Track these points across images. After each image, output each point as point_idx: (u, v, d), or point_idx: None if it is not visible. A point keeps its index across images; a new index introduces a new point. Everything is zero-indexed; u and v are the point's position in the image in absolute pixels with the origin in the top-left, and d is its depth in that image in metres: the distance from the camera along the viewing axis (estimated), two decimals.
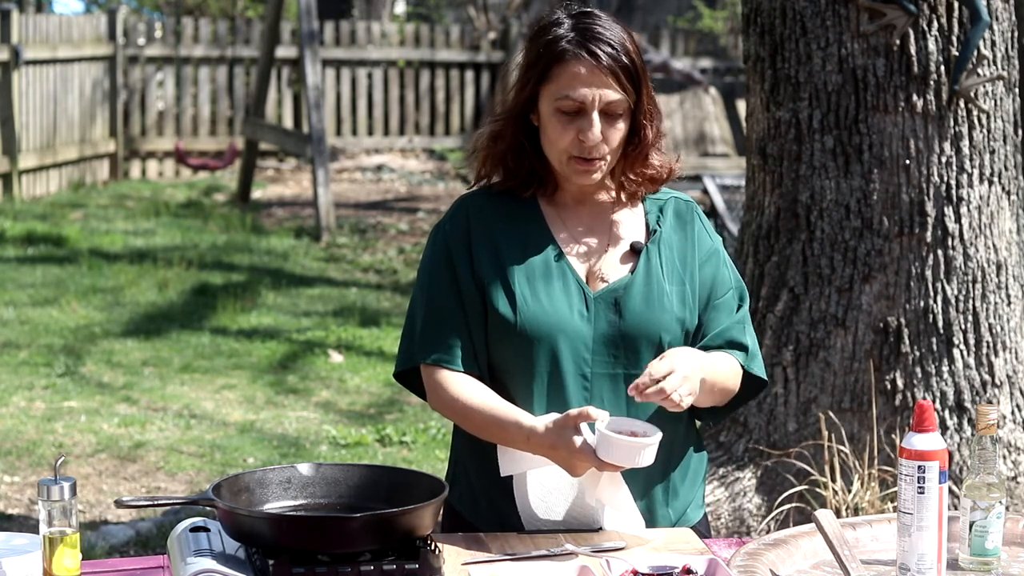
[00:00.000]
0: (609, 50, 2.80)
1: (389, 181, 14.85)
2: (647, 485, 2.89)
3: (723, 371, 2.86)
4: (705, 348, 2.89)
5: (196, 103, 15.01)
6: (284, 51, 14.73)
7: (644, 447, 2.66)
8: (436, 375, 2.88)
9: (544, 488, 2.85)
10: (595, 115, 2.81)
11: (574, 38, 2.82)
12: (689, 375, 2.71)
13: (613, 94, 2.80)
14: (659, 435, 2.69)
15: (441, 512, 2.71)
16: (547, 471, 2.83)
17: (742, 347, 2.93)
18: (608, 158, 2.85)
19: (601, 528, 2.84)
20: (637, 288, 2.87)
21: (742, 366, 2.92)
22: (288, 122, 15.34)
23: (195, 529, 2.65)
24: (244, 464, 6.44)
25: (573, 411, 2.72)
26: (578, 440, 2.70)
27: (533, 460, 2.82)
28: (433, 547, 2.56)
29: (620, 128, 2.84)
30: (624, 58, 2.81)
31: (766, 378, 2.98)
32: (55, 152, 13.54)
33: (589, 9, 2.90)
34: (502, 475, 2.85)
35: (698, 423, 3.05)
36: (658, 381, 2.67)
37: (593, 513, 2.84)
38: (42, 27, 13.45)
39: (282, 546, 2.48)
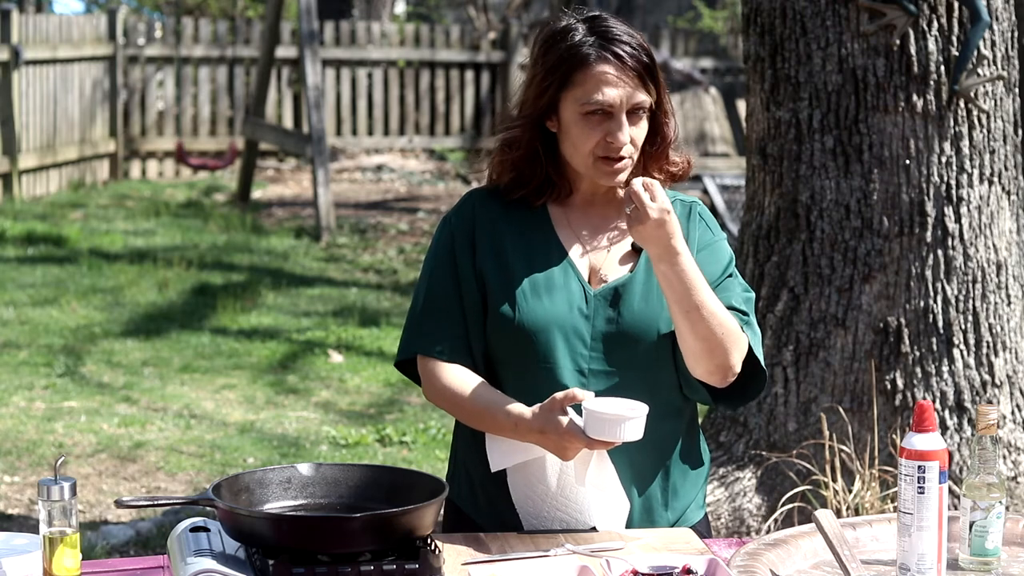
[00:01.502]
0: (631, 51, 2.82)
1: (389, 181, 14.85)
2: (645, 486, 2.90)
3: (722, 308, 2.79)
4: None
5: (196, 103, 15.01)
6: (284, 51, 14.73)
7: (631, 419, 2.67)
8: (429, 365, 2.91)
9: (535, 477, 2.85)
10: (623, 116, 2.81)
11: (595, 42, 2.82)
12: (672, 224, 2.71)
13: (640, 95, 2.82)
14: (646, 409, 2.69)
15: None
16: (538, 461, 2.84)
17: (744, 316, 2.88)
18: (633, 157, 2.86)
19: (594, 528, 2.85)
20: (636, 286, 2.88)
21: (749, 347, 2.87)
22: (288, 122, 15.34)
23: (195, 529, 2.65)
24: (244, 464, 6.44)
25: (559, 394, 2.73)
26: (564, 420, 2.72)
27: (523, 452, 2.83)
28: (433, 547, 2.56)
29: (644, 127, 2.86)
30: (645, 58, 2.83)
31: (764, 367, 2.93)
32: (55, 152, 13.54)
33: (597, 13, 2.90)
34: (492, 470, 2.87)
35: (699, 426, 3.04)
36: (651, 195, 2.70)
37: (583, 502, 2.84)
38: (42, 27, 13.45)
39: (282, 546, 2.48)
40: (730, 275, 2.92)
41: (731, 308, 2.85)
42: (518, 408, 2.80)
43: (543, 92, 2.86)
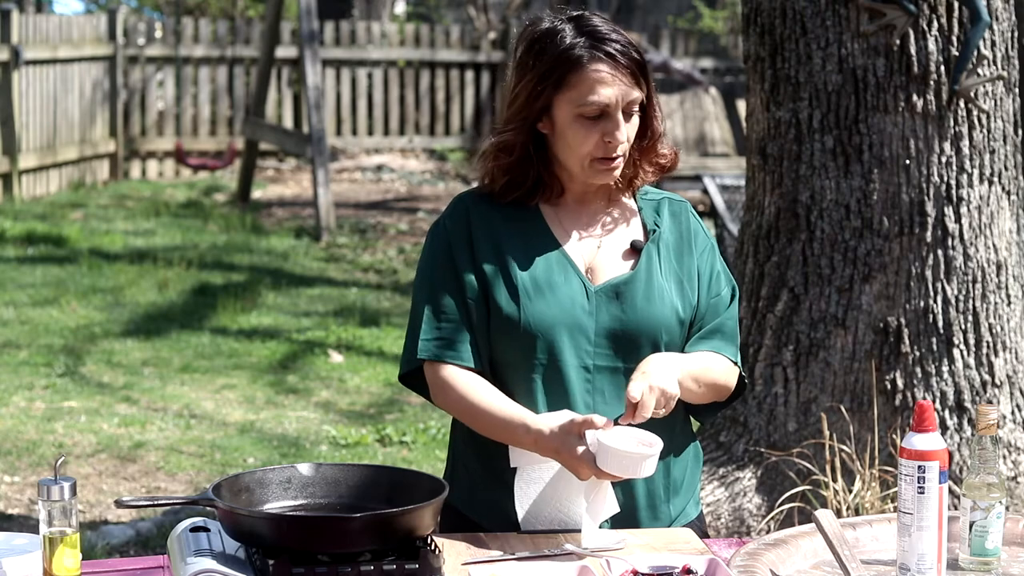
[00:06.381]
0: (622, 48, 2.82)
1: (389, 181, 14.85)
2: (650, 481, 2.90)
3: (712, 368, 2.89)
4: (700, 340, 2.92)
5: (196, 103, 15.01)
6: (284, 51, 14.72)
7: (643, 458, 2.67)
8: (442, 372, 2.87)
9: (543, 483, 2.85)
10: (619, 115, 2.82)
11: (586, 42, 2.82)
12: (662, 383, 2.72)
13: (634, 92, 2.83)
14: (660, 445, 2.69)
15: None
16: (550, 466, 2.84)
17: (734, 341, 2.95)
18: (626, 154, 2.88)
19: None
20: (638, 284, 2.88)
21: (734, 363, 2.94)
22: (288, 122, 15.34)
23: (195, 529, 2.65)
24: (244, 464, 6.44)
25: (579, 418, 2.72)
26: (580, 449, 2.71)
27: (543, 458, 2.83)
28: (433, 547, 2.56)
29: (636, 124, 2.87)
30: (635, 54, 2.84)
31: (745, 376, 3.02)
32: (55, 152, 13.54)
33: (581, 12, 2.90)
34: (512, 465, 2.85)
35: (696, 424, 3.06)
36: (635, 406, 2.70)
37: (581, 507, 2.84)
38: (42, 27, 13.45)
39: (282, 546, 2.48)
40: (718, 294, 2.96)
41: (726, 336, 2.94)
42: (536, 424, 2.78)
43: (537, 96, 2.84)
